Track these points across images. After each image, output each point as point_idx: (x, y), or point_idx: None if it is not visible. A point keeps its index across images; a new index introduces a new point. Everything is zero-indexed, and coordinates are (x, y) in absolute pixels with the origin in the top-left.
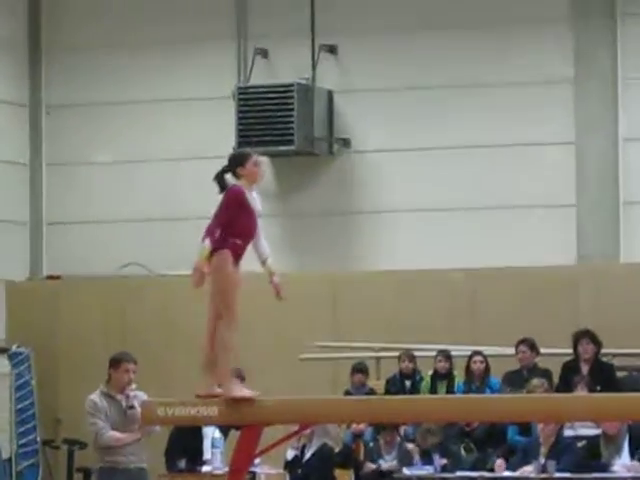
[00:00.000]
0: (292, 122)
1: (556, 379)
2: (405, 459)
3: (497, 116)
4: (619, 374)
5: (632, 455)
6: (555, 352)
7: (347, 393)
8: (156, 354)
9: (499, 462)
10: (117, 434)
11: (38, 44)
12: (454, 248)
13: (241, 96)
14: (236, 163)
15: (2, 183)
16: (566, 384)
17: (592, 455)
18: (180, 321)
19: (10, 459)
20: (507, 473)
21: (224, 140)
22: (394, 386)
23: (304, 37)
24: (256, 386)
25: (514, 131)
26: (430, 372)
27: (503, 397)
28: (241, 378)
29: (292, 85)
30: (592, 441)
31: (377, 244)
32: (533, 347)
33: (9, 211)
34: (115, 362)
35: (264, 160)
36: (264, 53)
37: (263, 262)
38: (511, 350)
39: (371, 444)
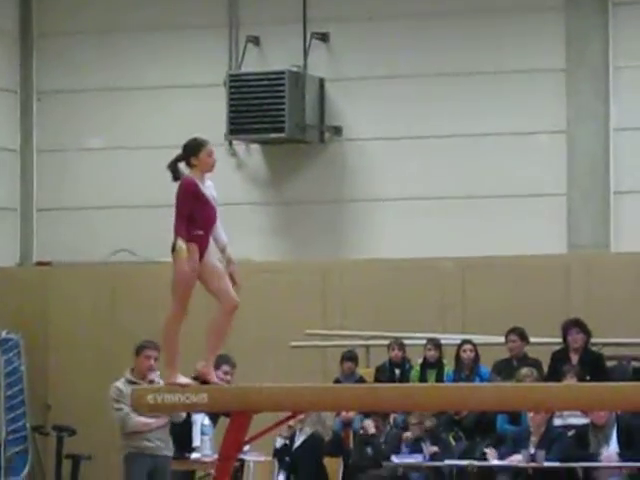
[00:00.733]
0: (283, 109)
1: (546, 368)
2: (394, 447)
3: (488, 105)
4: (608, 364)
5: (620, 444)
6: (545, 341)
7: (337, 381)
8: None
9: (490, 451)
10: (144, 419)
11: (29, 31)
12: (445, 237)
13: (232, 83)
14: (190, 152)
15: None
16: (555, 373)
17: (581, 444)
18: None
19: None
20: (496, 462)
21: (215, 127)
22: (384, 374)
23: (296, 25)
24: (247, 373)
25: (505, 120)
26: (420, 361)
27: (492, 386)
28: (231, 364)
29: (283, 73)
30: (581, 430)
31: (368, 232)
32: (523, 336)
33: None
34: (137, 349)
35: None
36: (256, 40)
37: (222, 250)
38: (501, 339)
39: (360, 432)
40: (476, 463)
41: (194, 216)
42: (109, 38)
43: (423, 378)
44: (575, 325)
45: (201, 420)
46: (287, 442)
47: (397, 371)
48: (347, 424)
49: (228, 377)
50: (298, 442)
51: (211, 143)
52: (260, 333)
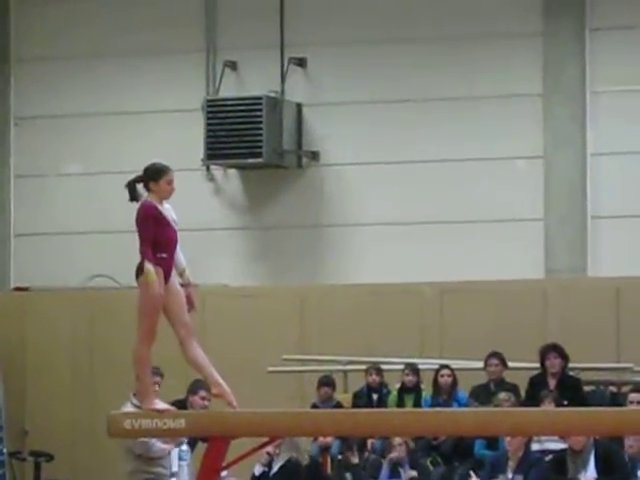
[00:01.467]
0: (261, 135)
1: (523, 393)
2: (372, 472)
3: (466, 130)
4: (586, 388)
5: (597, 469)
6: (522, 366)
7: (314, 406)
8: (125, 366)
9: (473, 476)
10: (162, 444)
11: (7, 56)
12: (422, 262)
13: (210, 108)
14: (150, 177)
15: None
16: (533, 398)
17: (558, 469)
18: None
19: None
20: None
21: (193, 152)
22: (361, 399)
23: (273, 50)
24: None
25: (483, 145)
26: (397, 386)
27: (470, 411)
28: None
29: (261, 98)
30: (558, 455)
31: (346, 257)
32: (503, 361)
33: None
34: None
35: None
36: (233, 66)
37: (180, 273)
38: (479, 364)
39: (339, 457)
40: None
41: (157, 239)
42: (87, 64)
43: (401, 403)
44: (553, 350)
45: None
46: (266, 469)
47: (375, 396)
48: (325, 449)
49: (206, 402)
50: (275, 468)
51: (172, 170)
52: (237, 358)
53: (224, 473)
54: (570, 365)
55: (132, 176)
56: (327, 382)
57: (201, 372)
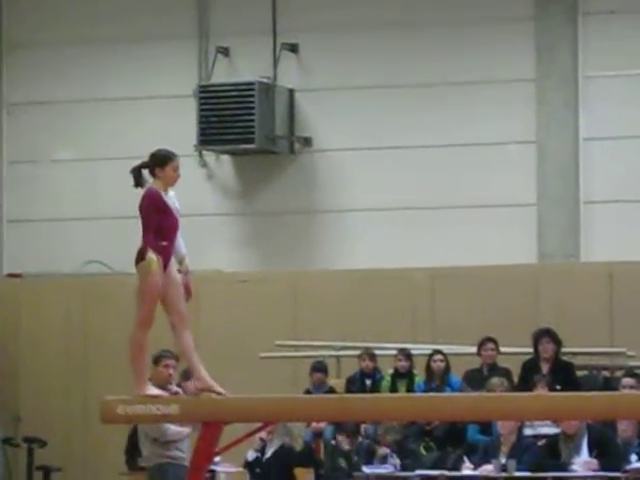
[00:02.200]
0: (253, 121)
1: (516, 378)
2: (367, 457)
3: (458, 115)
4: (579, 373)
5: (591, 454)
6: (515, 351)
7: (307, 392)
8: (119, 353)
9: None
10: (177, 427)
11: None
12: (415, 247)
13: (202, 94)
14: (156, 163)
15: None
16: (526, 383)
17: (552, 454)
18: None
19: None
20: (467, 472)
21: (186, 138)
22: (354, 385)
23: (265, 36)
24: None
25: (475, 130)
26: (390, 371)
27: (463, 396)
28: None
29: (253, 83)
30: (552, 440)
31: (338, 243)
32: (496, 346)
33: None
34: (156, 359)
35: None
36: (225, 51)
37: (180, 261)
38: (471, 349)
39: (332, 442)
40: (447, 473)
41: (159, 227)
42: (79, 50)
43: (394, 388)
44: (546, 335)
45: None
46: (259, 454)
47: (368, 381)
48: (318, 434)
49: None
50: (269, 453)
51: (179, 156)
52: (230, 344)
53: (217, 458)
54: (563, 350)
55: (127, 162)
56: (320, 368)
57: (188, 362)
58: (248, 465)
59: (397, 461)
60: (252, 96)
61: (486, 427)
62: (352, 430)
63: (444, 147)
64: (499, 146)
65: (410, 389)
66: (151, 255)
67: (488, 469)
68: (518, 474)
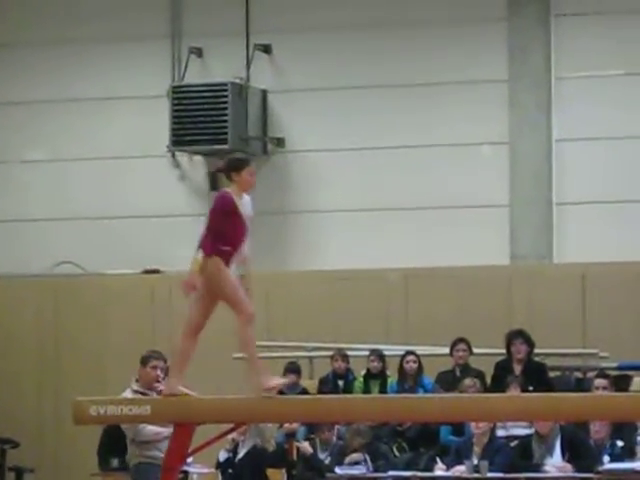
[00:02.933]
0: (226, 121)
1: (489, 379)
2: (339, 458)
3: (431, 116)
4: (552, 374)
5: (563, 455)
6: (488, 352)
7: (280, 393)
8: (90, 353)
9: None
10: (156, 427)
11: None
12: (389, 247)
13: (175, 95)
14: (232, 168)
15: None
16: (499, 384)
17: (524, 455)
18: (115, 320)
19: None
20: (440, 473)
21: (158, 138)
22: (327, 386)
23: (238, 36)
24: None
25: (448, 131)
26: (363, 372)
27: (435, 397)
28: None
29: (226, 84)
30: (524, 441)
31: (312, 243)
32: (468, 347)
33: None
34: (143, 359)
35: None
36: (199, 52)
37: (242, 262)
38: (444, 350)
39: (305, 443)
40: (419, 474)
41: (225, 231)
42: (51, 51)
43: (366, 389)
44: (518, 336)
45: None
46: (231, 455)
47: (340, 382)
48: (291, 435)
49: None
50: (241, 454)
51: (254, 162)
52: (203, 344)
53: (190, 459)
54: (536, 351)
55: (99, 162)
56: (293, 368)
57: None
58: (220, 466)
59: (369, 462)
60: (225, 97)
61: (459, 428)
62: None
63: (417, 148)
64: (472, 147)
65: (383, 390)
66: (198, 256)
67: (460, 470)
68: (490, 475)
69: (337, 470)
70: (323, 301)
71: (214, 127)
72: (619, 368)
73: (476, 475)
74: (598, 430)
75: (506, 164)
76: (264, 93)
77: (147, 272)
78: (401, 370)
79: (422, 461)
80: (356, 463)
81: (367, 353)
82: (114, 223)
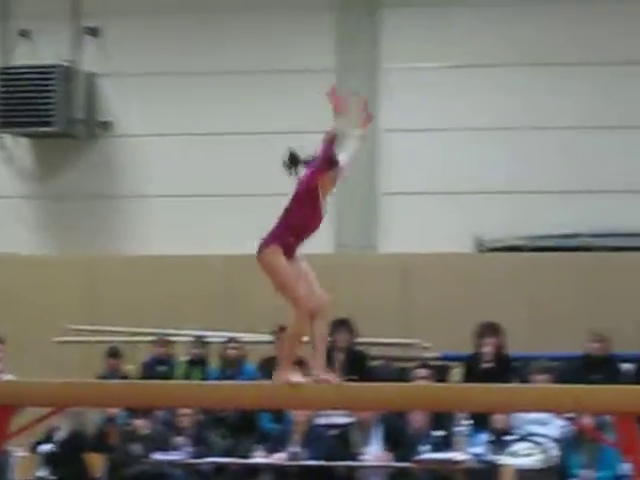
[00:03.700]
0: (52, 104)
1: None
2: (160, 443)
3: (259, 103)
4: (374, 363)
5: (383, 444)
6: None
7: (101, 377)
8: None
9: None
10: None
11: None
12: (212, 234)
13: (3, 77)
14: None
15: None
16: None
17: (343, 443)
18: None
19: None
20: (259, 460)
21: None
22: (148, 371)
23: (67, 19)
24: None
25: (275, 119)
26: (185, 358)
27: (256, 384)
28: None
29: (53, 67)
30: (344, 429)
31: (137, 228)
32: None
33: None
34: None
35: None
36: (27, 34)
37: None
38: (267, 337)
39: (125, 428)
40: (238, 461)
41: (299, 222)
42: None
43: (188, 375)
44: (341, 324)
45: None
46: (50, 439)
47: (162, 368)
48: (111, 420)
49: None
50: (60, 438)
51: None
52: (25, 327)
53: (8, 443)
54: (359, 340)
55: None
56: (114, 353)
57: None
58: (39, 450)
59: (190, 448)
60: (52, 79)
61: (279, 416)
62: (147, 415)
63: (243, 135)
64: (298, 135)
65: (204, 376)
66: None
67: (279, 457)
68: (309, 463)
69: (157, 455)
70: (147, 286)
71: (41, 109)
72: (443, 359)
73: (295, 463)
74: (418, 420)
75: None
76: (92, 76)
77: None
78: (223, 357)
79: (242, 448)
80: (175, 449)
81: (190, 339)
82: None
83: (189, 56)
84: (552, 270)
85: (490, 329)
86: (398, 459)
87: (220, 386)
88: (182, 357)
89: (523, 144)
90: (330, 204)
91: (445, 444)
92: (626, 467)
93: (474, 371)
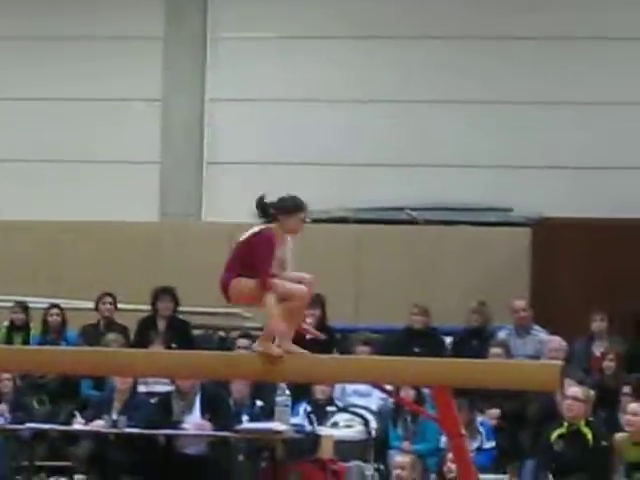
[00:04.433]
0: None
1: (133, 335)
2: None
3: (85, 70)
4: (195, 332)
5: (203, 413)
6: (133, 308)
7: None
8: None
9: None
10: None
11: None
12: (40, 200)
13: None
14: (284, 210)
15: None
16: (142, 340)
17: (164, 411)
18: None
19: None
20: (78, 427)
21: None
22: None
23: None
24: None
25: (102, 85)
26: (6, 323)
27: (77, 350)
28: None
29: None
30: (164, 397)
31: None
32: (114, 301)
33: None
34: None
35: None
36: None
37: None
38: (89, 304)
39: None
40: (58, 427)
41: (252, 265)
42: None
43: (9, 341)
44: (164, 293)
45: None
46: None
47: None
48: None
49: None
50: None
51: (305, 210)
52: None
53: None
54: (181, 309)
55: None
56: None
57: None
58: None
59: (8, 414)
60: None
61: (100, 382)
62: None
63: (70, 101)
64: (125, 102)
65: (25, 342)
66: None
67: (99, 425)
68: (129, 430)
69: None
70: None
71: None
72: (262, 329)
73: (114, 430)
74: (240, 389)
75: (158, 121)
76: None
77: None
78: (45, 323)
79: (62, 414)
80: None
81: (11, 305)
82: None
83: (18, 21)
84: (377, 242)
85: (313, 301)
86: (218, 428)
87: (43, 351)
88: (3, 322)
89: (351, 117)
90: (155, 172)
91: (266, 414)
92: (445, 439)
93: (296, 342)
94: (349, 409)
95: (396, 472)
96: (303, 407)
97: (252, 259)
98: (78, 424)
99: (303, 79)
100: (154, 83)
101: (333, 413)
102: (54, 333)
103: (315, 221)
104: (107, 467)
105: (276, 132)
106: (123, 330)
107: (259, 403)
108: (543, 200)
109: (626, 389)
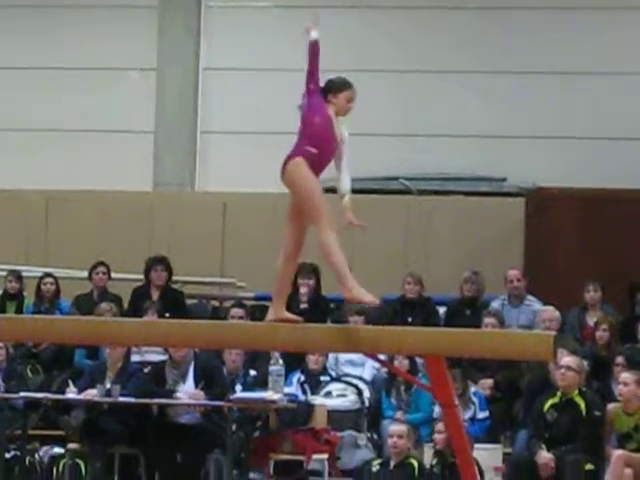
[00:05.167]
0: None
1: (126, 305)
2: None
3: (80, 38)
4: (189, 302)
5: (196, 382)
6: (127, 277)
7: None
8: None
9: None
10: None
11: None
12: (29, 168)
13: None
14: (330, 89)
15: None
16: (136, 309)
17: (157, 381)
18: None
19: None
20: (72, 396)
21: None
22: None
23: None
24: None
25: (96, 54)
26: (0, 292)
27: (71, 319)
28: None
29: None
30: (157, 367)
31: None
32: (107, 271)
33: None
34: None
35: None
36: None
37: (341, 196)
38: (83, 273)
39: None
40: (51, 396)
41: (315, 132)
42: None
43: (3, 309)
44: (158, 262)
45: None
46: None
47: None
48: None
49: None
50: None
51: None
52: None
53: None
54: (174, 278)
55: None
56: None
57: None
58: None
59: (1, 383)
60: None
61: (93, 352)
62: None
63: (67, 70)
64: (119, 71)
65: (19, 311)
66: (296, 160)
67: (92, 393)
68: (122, 399)
69: None
70: None
71: None
72: (256, 298)
73: (108, 399)
74: (233, 359)
75: (153, 91)
76: None
77: None
78: (38, 292)
79: (55, 383)
80: None
81: (4, 274)
82: None
83: None
84: (371, 212)
85: (307, 270)
86: (212, 398)
87: (36, 320)
88: None
89: None
90: (148, 141)
91: (259, 384)
92: (439, 410)
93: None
94: (342, 379)
95: (392, 440)
96: (297, 377)
97: (306, 118)
98: (71, 393)
99: (298, 48)
100: (149, 52)
101: (327, 383)
102: (48, 302)
103: None
104: (100, 436)
105: (270, 101)
106: (117, 299)
107: (253, 372)
108: (537, 170)
109: (619, 359)
